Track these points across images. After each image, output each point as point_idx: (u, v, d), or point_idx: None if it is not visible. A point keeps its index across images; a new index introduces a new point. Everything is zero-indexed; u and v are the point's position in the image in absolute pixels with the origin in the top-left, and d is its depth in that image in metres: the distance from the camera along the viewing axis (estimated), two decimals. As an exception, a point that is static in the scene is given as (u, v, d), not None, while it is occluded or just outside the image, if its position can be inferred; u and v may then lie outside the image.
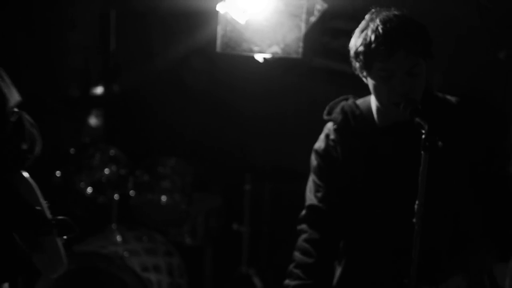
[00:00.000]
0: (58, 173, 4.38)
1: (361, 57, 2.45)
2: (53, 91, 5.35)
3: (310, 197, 2.73)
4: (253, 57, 3.07)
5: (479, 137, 2.56)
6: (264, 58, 3.05)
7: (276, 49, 2.96)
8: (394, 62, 2.39)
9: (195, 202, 4.45)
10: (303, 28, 2.96)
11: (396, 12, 2.45)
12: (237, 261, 4.75)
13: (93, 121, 5.63)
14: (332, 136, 2.67)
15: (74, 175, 4.35)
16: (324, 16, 3.17)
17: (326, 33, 4.55)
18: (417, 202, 2.24)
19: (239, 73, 4.70)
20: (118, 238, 4.17)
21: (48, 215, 2.36)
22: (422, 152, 2.19)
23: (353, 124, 2.63)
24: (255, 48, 2.98)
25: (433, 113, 2.37)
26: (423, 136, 2.19)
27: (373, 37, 2.39)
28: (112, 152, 4.33)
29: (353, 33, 2.51)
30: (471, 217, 2.63)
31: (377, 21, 2.41)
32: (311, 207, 2.72)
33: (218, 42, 3.02)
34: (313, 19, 2.98)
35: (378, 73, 2.43)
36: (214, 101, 5.06)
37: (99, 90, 5.64)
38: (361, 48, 2.44)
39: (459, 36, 3.99)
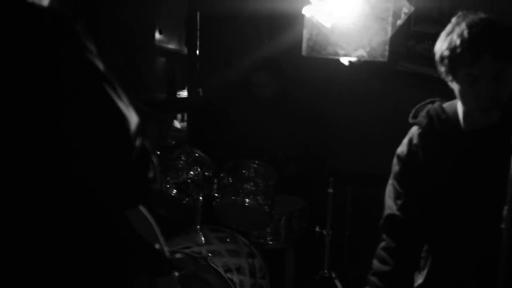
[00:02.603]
0: (144, 174, 4.44)
1: (446, 61, 2.43)
2: (139, 94, 5.46)
3: (390, 204, 2.70)
4: (338, 61, 3.08)
5: None
6: (350, 62, 3.04)
7: (362, 53, 2.95)
8: (479, 68, 2.34)
9: (278, 204, 4.46)
10: (390, 31, 2.94)
11: (483, 16, 2.41)
12: (319, 264, 4.74)
13: (177, 123, 5.73)
14: (415, 141, 2.65)
15: (160, 176, 4.40)
16: (409, 20, 3.14)
17: (411, 37, 4.51)
18: (505, 207, 2.20)
19: (324, 77, 4.71)
20: (202, 239, 4.21)
21: (167, 253, 2.14)
22: (512, 157, 2.16)
23: (438, 128, 2.60)
24: (341, 52, 2.98)
25: None
26: (513, 140, 2.14)
27: (458, 42, 2.36)
28: (197, 154, 4.37)
29: (438, 37, 2.49)
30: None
31: (463, 25, 2.37)
32: (389, 216, 2.70)
33: (304, 45, 3.03)
34: (399, 22, 2.96)
35: (463, 78, 2.40)
36: (298, 105, 5.08)
37: (184, 93, 5.74)
38: (446, 53, 2.41)
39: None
